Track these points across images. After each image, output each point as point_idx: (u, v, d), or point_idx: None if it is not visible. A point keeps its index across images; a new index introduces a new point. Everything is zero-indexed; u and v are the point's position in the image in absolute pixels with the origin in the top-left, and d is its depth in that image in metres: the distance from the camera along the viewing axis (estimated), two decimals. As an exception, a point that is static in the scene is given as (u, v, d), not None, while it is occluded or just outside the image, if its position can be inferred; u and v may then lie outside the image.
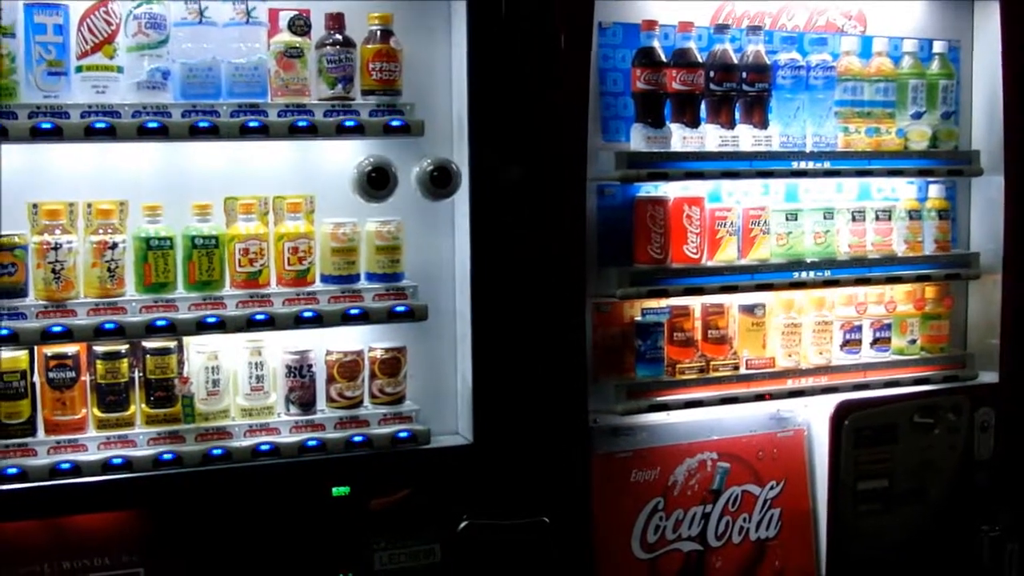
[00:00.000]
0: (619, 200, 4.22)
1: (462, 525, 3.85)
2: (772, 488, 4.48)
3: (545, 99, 3.96)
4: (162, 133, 3.52)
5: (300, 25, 3.69)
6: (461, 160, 3.88)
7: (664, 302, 4.28)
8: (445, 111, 3.96)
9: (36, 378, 3.61)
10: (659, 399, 4.19)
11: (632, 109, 4.18)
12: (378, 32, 3.77)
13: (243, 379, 3.80)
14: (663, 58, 4.11)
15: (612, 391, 4.14)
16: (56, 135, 3.43)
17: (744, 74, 4.23)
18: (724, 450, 4.39)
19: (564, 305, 4.05)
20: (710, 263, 4.28)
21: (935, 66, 4.61)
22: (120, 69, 3.55)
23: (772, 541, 4.50)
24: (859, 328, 4.56)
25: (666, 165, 4.08)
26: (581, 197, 4.03)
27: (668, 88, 4.13)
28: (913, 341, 4.66)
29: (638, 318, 4.26)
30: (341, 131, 3.70)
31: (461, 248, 3.97)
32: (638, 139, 4.12)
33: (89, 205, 3.60)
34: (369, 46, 3.77)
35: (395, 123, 3.75)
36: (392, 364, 3.93)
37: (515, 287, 3.96)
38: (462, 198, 3.90)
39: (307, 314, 3.73)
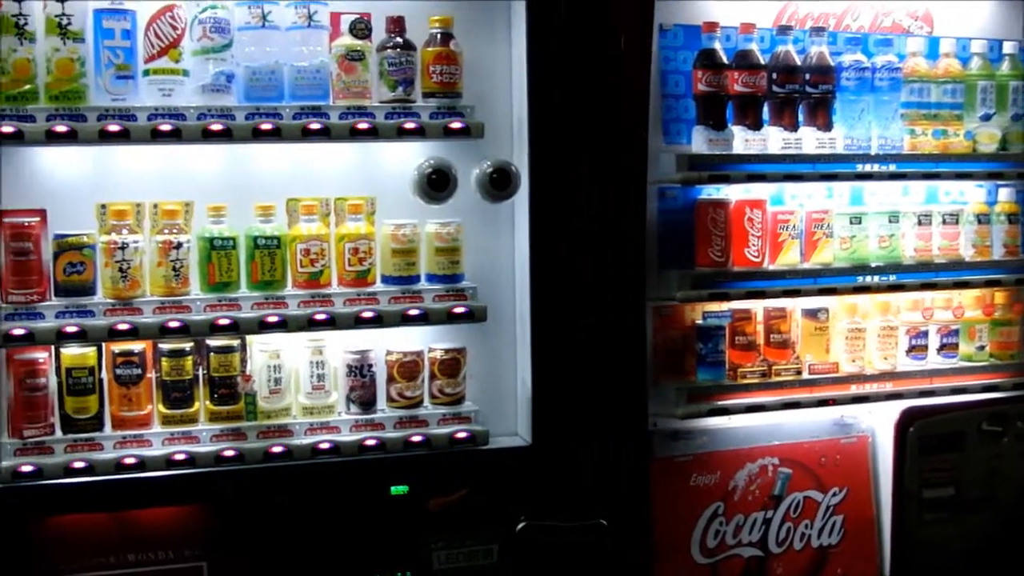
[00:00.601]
0: (680, 203, 4.21)
1: (520, 526, 3.86)
2: (835, 495, 4.43)
3: (605, 101, 3.93)
4: (226, 135, 3.58)
5: (361, 28, 3.73)
6: (521, 162, 3.89)
7: (725, 305, 4.25)
8: (505, 113, 3.98)
9: (104, 374, 3.69)
10: (720, 403, 4.16)
11: (693, 111, 4.17)
12: (438, 35, 3.80)
13: (304, 378, 3.85)
14: (725, 60, 4.09)
15: (672, 394, 4.12)
16: (123, 137, 3.51)
17: (807, 76, 4.20)
18: (786, 455, 4.35)
19: (624, 308, 4.03)
20: (772, 267, 4.24)
21: (1005, 67, 4.53)
22: (185, 72, 3.63)
23: (834, 548, 4.45)
24: (925, 334, 4.50)
25: (727, 167, 4.06)
26: (642, 199, 4.02)
27: (730, 90, 4.10)
28: (982, 347, 4.57)
29: (699, 321, 4.24)
30: (402, 133, 3.73)
31: (520, 250, 3.98)
32: (699, 141, 4.11)
33: (155, 206, 3.68)
34: (429, 49, 3.80)
35: (455, 125, 3.78)
36: (452, 365, 3.95)
37: (575, 289, 3.94)
38: (522, 200, 3.91)
39: (367, 314, 3.76)
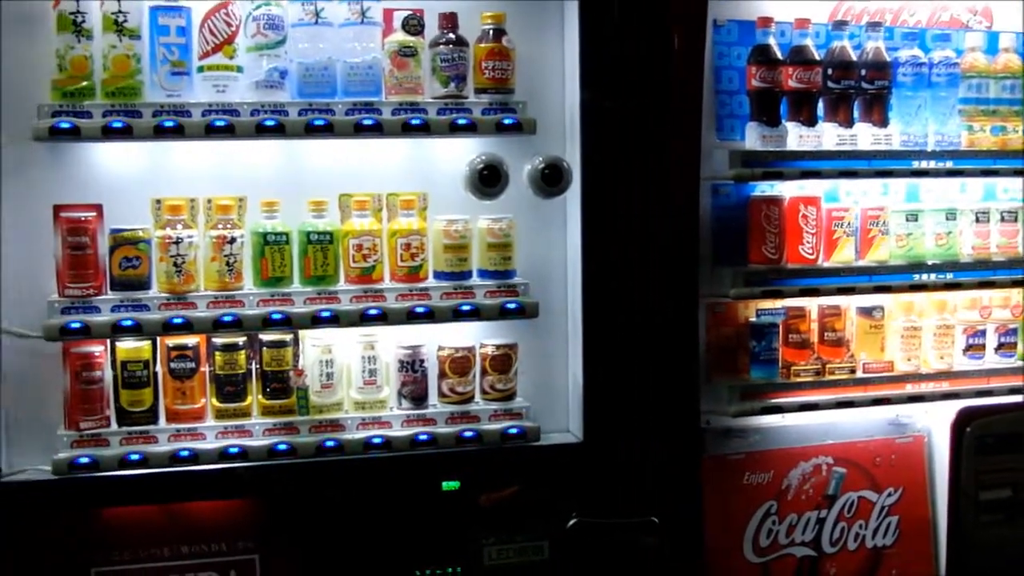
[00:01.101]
0: (734, 199, 4.18)
1: (571, 523, 3.87)
2: (890, 495, 4.39)
3: (658, 97, 3.92)
4: (279, 131, 3.61)
5: (414, 25, 3.74)
6: (573, 158, 3.88)
7: (779, 303, 4.22)
8: (557, 109, 3.97)
9: (158, 368, 3.74)
10: (773, 401, 4.14)
11: (747, 107, 4.15)
12: (491, 31, 3.81)
13: (356, 373, 3.87)
14: (779, 56, 4.07)
15: (725, 392, 4.11)
16: (178, 133, 3.54)
17: (863, 71, 4.16)
18: (840, 455, 4.31)
19: (677, 304, 4.02)
20: (826, 264, 4.21)
21: (1065, 62, 4.44)
22: (239, 69, 3.66)
23: (889, 549, 4.40)
24: (983, 333, 4.43)
25: (781, 164, 4.04)
26: (695, 196, 4.01)
27: (784, 86, 4.08)
28: (1041, 347, 4.50)
29: (753, 319, 4.21)
30: (454, 129, 3.74)
31: (573, 246, 3.97)
32: (753, 138, 4.08)
33: (209, 201, 3.71)
34: (482, 45, 3.80)
35: (507, 121, 3.78)
36: (503, 361, 3.95)
37: (627, 286, 3.94)
38: (574, 196, 3.91)
39: (419, 309, 3.77)
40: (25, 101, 3.54)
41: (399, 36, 3.75)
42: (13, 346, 3.64)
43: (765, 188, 4.19)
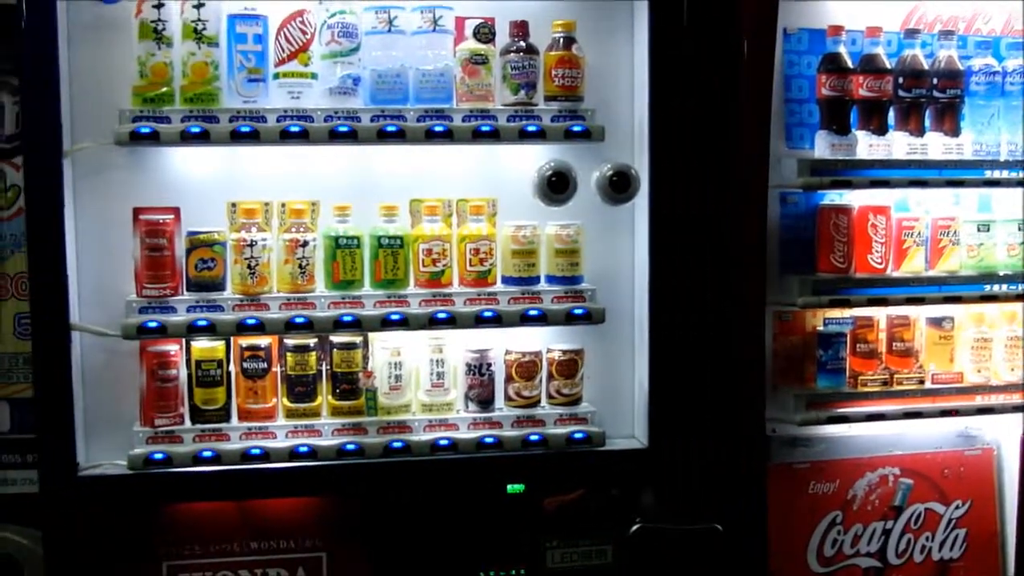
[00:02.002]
0: (802, 208, 4.18)
1: (634, 528, 3.87)
2: (957, 508, 4.35)
3: (727, 105, 3.94)
4: (351, 137, 3.66)
5: (485, 33, 3.78)
6: (641, 165, 3.90)
7: (847, 312, 4.20)
8: (626, 117, 3.99)
9: (231, 368, 3.80)
10: (840, 411, 4.12)
11: (817, 116, 4.14)
12: (561, 39, 3.83)
13: (424, 375, 3.90)
14: (850, 64, 4.05)
15: (791, 401, 4.10)
16: (253, 138, 3.61)
17: (935, 80, 4.14)
18: (907, 466, 4.28)
19: (744, 312, 4.03)
20: (895, 273, 4.19)
21: None
22: (314, 75, 3.72)
23: (956, 563, 4.36)
24: (1055, 345, 4.36)
25: (850, 173, 4.02)
26: (763, 204, 4.00)
27: (854, 94, 4.07)
28: (1114, 360, 4.42)
29: (820, 328, 4.20)
30: (523, 136, 3.77)
31: (640, 253, 3.98)
32: (822, 146, 4.07)
33: (283, 205, 3.77)
34: (552, 53, 3.83)
35: (576, 128, 3.79)
36: (569, 366, 3.96)
37: (694, 293, 3.94)
38: (641, 203, 3.92)
39: (487, 314, 3.80)
40: (103, 107, 3.63)
41: (470, 44, 3.79)
42: (92, 344, 3.73)
43: (834, 197, 4.17)
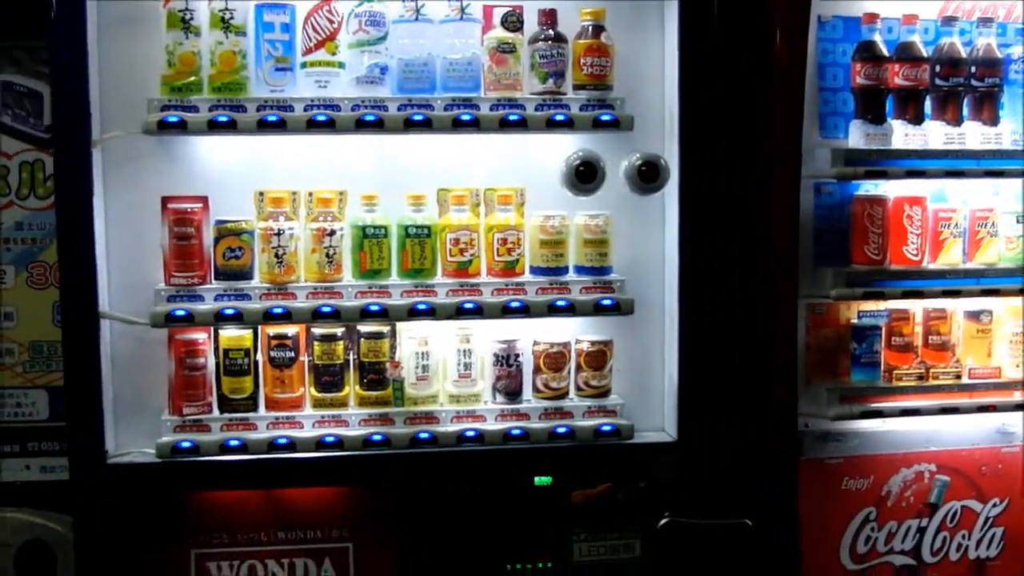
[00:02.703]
0: (836, 198, 4.13)
1: (663, 522, 3.85)
2: (995, 505, 4.26)
3: (760, 94, 3.90)
4: (378, 126, 3.64)
5: (513, 21, 3.77)
6: (671, 155, 3.87)
7: (882, 305, 4.15)
8: (656, 106, 3.95)
9: (259, 357, 3.81)
10: (874, 405, 4.07)
11: (852, 105, 4.09)
12: (590, 27, 3.80)
13: (452, 366, 3.90)
14: (885, 52, 4.01)
15: (824, 395, 4.06)
16: (280, 127, 3.62)
17: (973, 68, 4.08)
18: (943, 462, 4.20)
19: (776, 304, 3.98)
20: (931, 266, 4.13)
21: None
22: (341, 65, 3.71)
23: (993, 561, 4.28)
24: (1097, 339, 4.27)
25: (886, 163, 3.97)
26: (796, 194, 3.95)
27: (890, 83, 4.02)
28: None
29: (854, 320, 4.15)
30: (551, 125, 3.73)
31: (670, 243, 3.96)
32: (857, 136, 4.02)
33: (310, 194, 3.77)
34: (581, 41, 3.80)
35: (605, 118, 3.76)
36: (598, 357, 3.94)
37: (725, 285, 3.91)
38: (672, 193, 3.89)
39: (515, 304, 3.78)
40: (131, 96, 3.66)
41: (498, 32, 3.77)
42: (120, 332, 3.76)
43: (869, 187, 4.12)
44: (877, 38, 4.00)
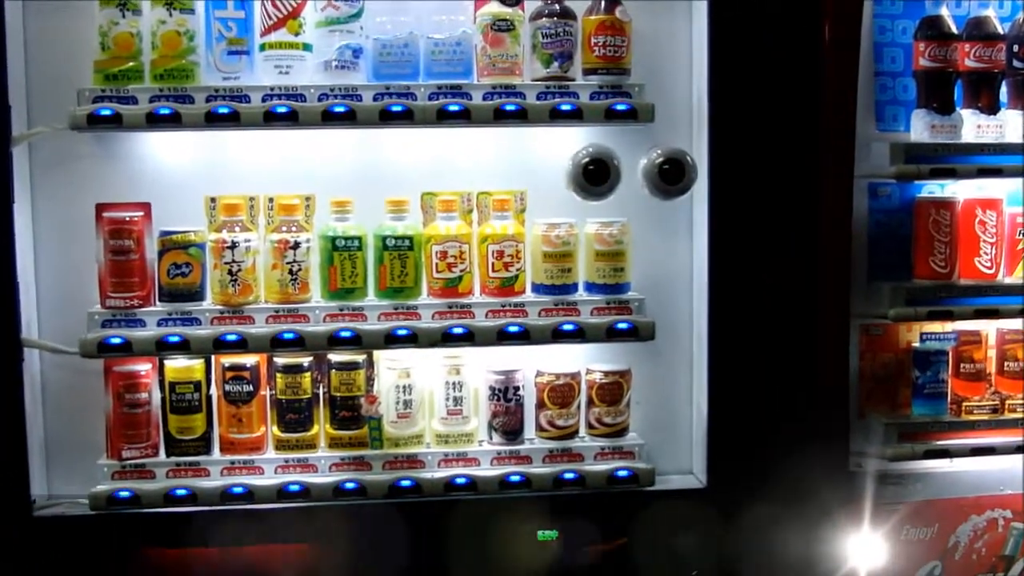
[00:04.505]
0: (896, 201, 3.86)
1: (691, 582, 3.54)
2: (1082, 558, 3.95)
3: (804, 80, 3.62)
4: (350, 118, 3.37)
5: (511, -8, 3.45)
6: (699, 152, 3.59)
7: (949, 326, 3.90)
8: (682, 94, 3.69)
9: (212, 391, 3.51)
10: (939, 443, 3.78)
11: (914, 92, 3.81)
12: (602, 1, 3.53)
13: (439, 401, 3.63)
14: (954, 29, 3.74)
15: (881, 431, 3.78)
16: (232, 121, 3.34)
17: (1059, 48, 3.77)
18: (1021, 509, 3.87)
19: (825, 327, 3.72)
20: (1008, 280, 3.86)
21: None
22: (306, 47, 3.43)
23: (1078, 624, 3.97)
24: None
25: (954, 160, 3.69)
26: (848, 197, 3.69)
27: (959, 66, 3.75)
28: None
29: (916, 344, 3.89)
30: (555, 116, 3.44)
31: (698, 256, 3.70)
32: (920, 128, 3.75)
33: (271, 200, 3.51)
34: (592, 17, 3.53)
35: (619, 107, 3.48)
36: (613, 390, 3.66)
37: (764, 304, 3.65)
38: (700, 197, 3.62)
39: (513, 328, 3.49)
40: (63, 86, 3.36)
41: (493, 7, 3.49)
42: (53, 361, 3.54)
43: (934, 188, 3.86)
44: (944, 13, 3.75)
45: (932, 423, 3.80)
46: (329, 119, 3.33)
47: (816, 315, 3.70)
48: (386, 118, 3.35)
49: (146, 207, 3.39)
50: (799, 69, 3.63)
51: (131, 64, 3.29)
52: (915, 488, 3.82)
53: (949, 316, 3.79)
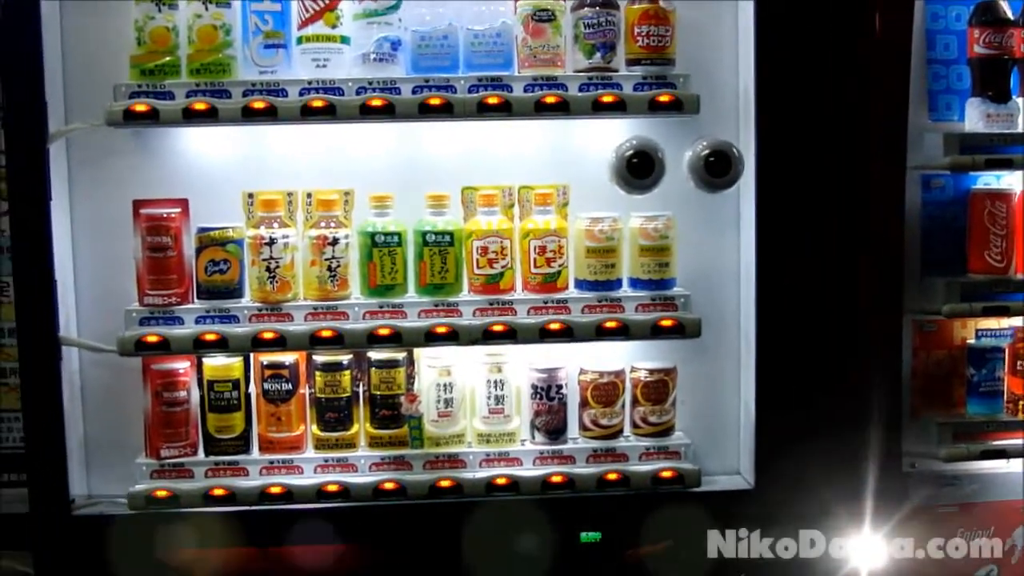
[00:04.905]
0: (950, 193, 3.79)
1: (738, 587, 3.49)
2: None
3: (854, 69, 3.53)
4: (388, 112, 3.30)
5: (566, -15, 3.40)
6: (746, 144, 3.51)
7: (1005, 322, 3.81)
8: (728, 84, 3.61)
9: (251, 389, 3.46)
10: (996, 443, 3.71)
11: (968, 80, 3.73)
12: (646, -11, 3.41)
13: (481, 400, 3.57)
14: (1010, 15, 3.65)
15: (935, 430, 3.71)
16: (270, 116, 3.28)
17: (1122, 33, 3.66)
18: (1081, 511, 3.78)
19: (876, 323, 3.64)
20: (1067, 274, 3.73)
21: None
22: (344, 39, 3.37)
23: None
24: None
25: (1011, 150, 3.61)
26: (900, 190, 3.62)
27: (1016, 53, 3.66)
28: None
29: (971, 341, 3.81)
30: (598, 108, 3.37)
31: (746, 251, 3.62)
32: (975, 117, 3.67)
33: (309, 195, 3.44)
34: (635, 6, 3.43)
35: (664, 98, 3.39)
36: (658, 388, 3.59)
37: (813, 299, 3.57)
38: (747, 190, 3.55)
39: (556, 325, 3.42)
40: (100, 81, 3.32)
41: None
42: (93, 360, 3.50)
43: (989, 180, 3.78)
44: (1000, -3, 3.61)
45: (988, 422, 3.73)
46: (368, 113, 3.27)
47: (867, 311, 3.63)
48: (426, 111, 3.29)
49: (183, 203, 3.35)
50: (848, 58, 3.54)
51: (167, 59, 3.26)
52: (971, 489, 3.75)
53: (1005, 312, 3.70)
